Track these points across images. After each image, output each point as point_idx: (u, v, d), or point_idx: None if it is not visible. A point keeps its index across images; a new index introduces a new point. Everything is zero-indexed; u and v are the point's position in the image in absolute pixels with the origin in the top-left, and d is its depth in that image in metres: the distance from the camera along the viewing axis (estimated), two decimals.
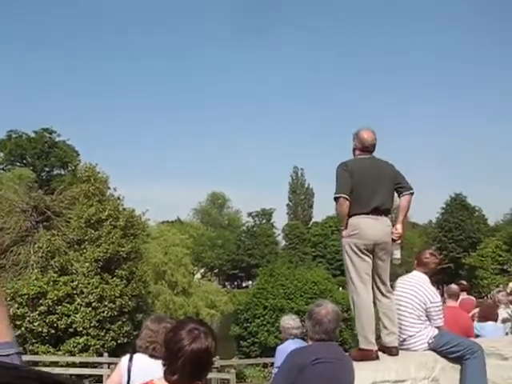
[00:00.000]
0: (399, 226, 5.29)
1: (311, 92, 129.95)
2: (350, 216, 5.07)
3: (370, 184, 5.09)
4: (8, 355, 1.30)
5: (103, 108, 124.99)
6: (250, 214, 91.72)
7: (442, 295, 7.90)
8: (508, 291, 9.97)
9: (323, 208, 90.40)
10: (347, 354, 4.70)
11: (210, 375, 13.50)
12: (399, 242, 5.31)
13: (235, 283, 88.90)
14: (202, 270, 76.29)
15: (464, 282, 14.09)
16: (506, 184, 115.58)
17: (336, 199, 5.09)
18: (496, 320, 8.05)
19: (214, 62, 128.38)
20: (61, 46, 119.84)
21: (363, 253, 5.02)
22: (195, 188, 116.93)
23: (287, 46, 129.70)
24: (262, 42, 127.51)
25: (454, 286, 8.36)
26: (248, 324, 29.29)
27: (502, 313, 8.46)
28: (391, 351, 5.13)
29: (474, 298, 13.55)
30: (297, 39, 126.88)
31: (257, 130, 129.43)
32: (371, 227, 5.02)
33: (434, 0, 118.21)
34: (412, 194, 5.33)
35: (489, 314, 7.88)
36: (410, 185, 5.35)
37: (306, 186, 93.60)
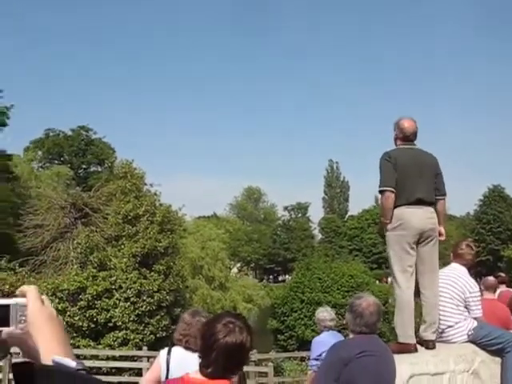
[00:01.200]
0: (442, 229, 5.29)
1: (343, 85, 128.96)
2: (394, 208, 5.05)
3: (414, 175, 5.08)
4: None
5: (141, 105, 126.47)
6: (285, 208, 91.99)
7: (480, 288, 7.79)
8: None
9: (359, 201, 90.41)
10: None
11: (248, 368, 13.55)
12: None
13: (272, 277, 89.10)
14: (239, 265, 76.71)
15: (502, 274, 13.82)
16: None
17: (382, 192, 5.07)
18: None
19: (242, 55, 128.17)
20: (98, 44, 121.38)
21: (409, 244, 4.99)
22: (231, 183, 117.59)
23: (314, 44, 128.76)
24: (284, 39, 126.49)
25: (490, 278, 8.23)
26: (285, 318, 29.32)
27: None
28: (428, 345, 5.10)
29: None
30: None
31: (291, 124, 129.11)
32: (415, 217, 5.00)
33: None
34: (445, 198, 5.37)
35: None
36: (444, 187, 5.38)
37: (342, 179, 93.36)
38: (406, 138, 5.28)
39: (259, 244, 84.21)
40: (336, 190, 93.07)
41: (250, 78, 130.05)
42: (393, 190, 4.99)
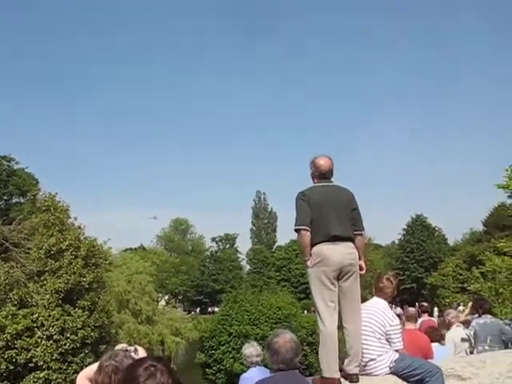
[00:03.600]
0: (362, 264, 5.39)
1: (273, 115, 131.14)
2: (312, 245, 5.15)
3: (329, 212, 5.20)
4: None
5: (63, 136, 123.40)
6: (213, 239, 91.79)
7: (402, 319, 8.02)
8: (462, 313, 10.14)
9: (287, 231, 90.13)
10: (311, 379, 4.76)
11: None
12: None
13: (200, 309, 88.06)
14: (167, 297, 75.37)
15: (425, 304, 14.33)
16: (464, 204, 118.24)
17: (297, 231, 5.19)
18: (439, 341, 8.23)
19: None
20: (21, 68, 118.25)
21: (329, 280, 5.07)
22: (158, 215, 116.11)
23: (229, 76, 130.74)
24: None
25: (411, 309, 8.51)
26: (213, 351, 29.06)
27: (454, 333, 8.60)
28: (352, 378, 5.18)
29: (434, 319, 13.79)
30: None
31: (218, 154, 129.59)
32: (334, 252, 5.08)
33: None
34: (362, 233, 5.47)
35: (431, 336, 8.02)
36: (361, 223, 5.46)
37: (269, 210, 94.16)
38: (322, 175, 5.45)
39: (187, 276, 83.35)
40: (264, 220, 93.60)
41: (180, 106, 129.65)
42: (307, 228, 5.14)
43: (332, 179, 5.50)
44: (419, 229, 71.26)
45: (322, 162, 5.46)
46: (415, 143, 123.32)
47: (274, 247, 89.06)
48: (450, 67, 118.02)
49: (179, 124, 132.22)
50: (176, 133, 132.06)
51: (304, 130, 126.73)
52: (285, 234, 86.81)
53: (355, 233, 5.34)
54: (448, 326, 8.93)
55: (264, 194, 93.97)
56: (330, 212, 5.19)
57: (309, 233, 5.13)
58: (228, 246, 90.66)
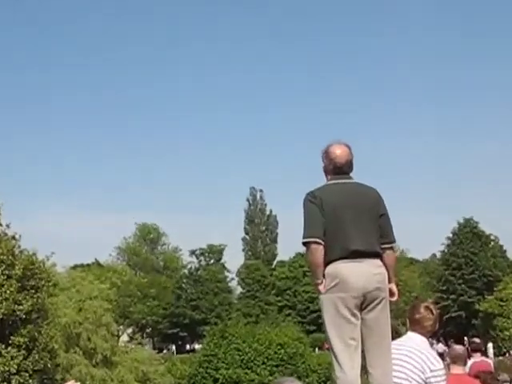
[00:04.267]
0: (393, 287, 5.36)
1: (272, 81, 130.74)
2: (326, 263, 5.07)
3: (348, 219, 5.15)
4: None
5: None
6: (192, 253, 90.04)
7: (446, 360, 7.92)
8: None
9: (291, 242, 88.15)
10: None
11: None
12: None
13: (176, 346, 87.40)
14: (130, 330, 75.21)
15: (477, 340, 14.22)
16: None
17: (306, 244, 5.13)
18: None
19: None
20: None
21: (349, 310, 5.01)
22: (119, 220, 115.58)
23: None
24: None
25: (458, 347, 8.48)
26: None
27: None
28: None
29: (490, 360, 13.62)
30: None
31: (196, 138, 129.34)
32: (355, 273, 5.01)
33: None
34: (393, 246, 5.42)
35: (486, 383, 8.02)
36: (391, 232, 5.43)
37: (268, 212, 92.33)
38: (338, 169, 5.41)
39: (158, 301, 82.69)
40: (260, 227, 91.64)
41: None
42: (320, 241, 5.07)
43: (351, 174, 5.46)
44: (469, 238, 70.59)
45: (338, 152, 5.43)
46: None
47: (274, 263, 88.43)
48: None
49: (143, 102, 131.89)
50: (141, 114, 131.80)
51: (314, 105, 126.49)
52: (288, 244, 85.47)
53: (383, 246, 5.28)
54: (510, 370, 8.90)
55: (261, 191, 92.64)
56: (349, 219, 5.14)
57: (321, 247, 5.05)
58: (212, 261, 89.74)
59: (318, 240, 5.07)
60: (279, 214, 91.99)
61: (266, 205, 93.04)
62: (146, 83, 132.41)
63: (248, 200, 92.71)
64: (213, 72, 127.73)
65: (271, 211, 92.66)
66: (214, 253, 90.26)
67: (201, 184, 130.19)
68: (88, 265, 74.46)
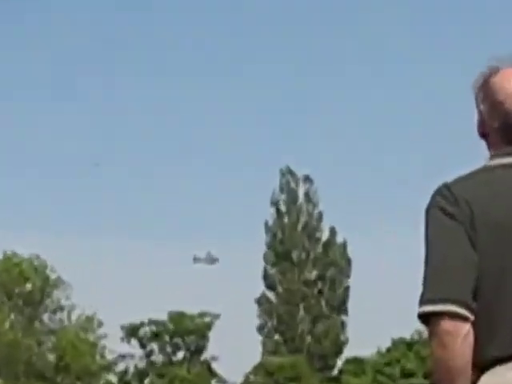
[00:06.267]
0: None
1: None
2: (479, 367, 2.21)
3: None
4: None
5: None
6: (131, 333, 59.05)
7: None
8: None
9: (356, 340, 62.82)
10: None
11: None
12: None
13: None
14: None
15: None
16: None
17: (428, 319, 2.20)
18: None
19: None
20: None
21: None
22: None
23: None
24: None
25: None
26: None
27: None
28: None
29: None
30: None
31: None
32: None
33: None
34: None
35: None
36: None
37: (325, 237, 61.96)
38: None
39: None
40: (304, 269, 61.08)
41: None
42: (466, 313, 2.13)
43: None
44: None
45: None
46: None
47: (340, 362, 56.60)
48: None
49: None
50: None
51: None
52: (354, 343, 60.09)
53: None
54: None
55: (309, 180, 62.43)
56: None
57: (468, 327, 2.15)
58: (183, 354, 57.51)
59: (460, 311, 2.13)
60: (351, 245, 57.03)
61: (319, 217, 60.38)
62: None
63: (275, 195, 60.41)
64: None
65: (333, 233, 58.47)
66: (189, 333, 56.92)
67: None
68: None
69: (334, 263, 62.18)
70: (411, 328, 53.51)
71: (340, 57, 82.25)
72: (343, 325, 61.97)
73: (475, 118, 2.47)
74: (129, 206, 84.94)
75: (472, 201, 2.23)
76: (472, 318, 2.13)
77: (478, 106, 2.47)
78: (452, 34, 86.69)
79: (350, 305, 62.13)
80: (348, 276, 62.78)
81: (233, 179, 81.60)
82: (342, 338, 61.70)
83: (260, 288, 62.14)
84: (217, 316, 61.99)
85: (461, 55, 74.22)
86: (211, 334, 61.88)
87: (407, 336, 56.49)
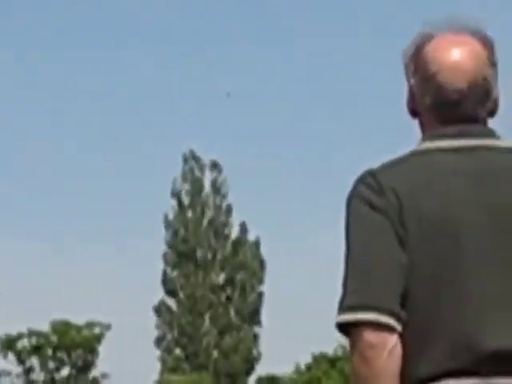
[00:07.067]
0: None
1: None
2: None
3: (482, 259, 2.03)
4: None
5: None
6: None
7: None
8: None
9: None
10: None
11: None
12: None
13: None
14: None
15: None
16: None
17: (348, 329, 2.02)
18: None
19: None
20: None
21: None
22: None
23: None
24: None
25: None
26: None
27: None
28: None
29: None
30: None
31: None
32: None
33: None
34: None
35: None
36: None
37: (234, 235, 57.44)
38: (452, 109, 2.16)
39: None
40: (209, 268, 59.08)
41: None
42: (392, 322, 1.95)
43: (490, 125, 2.24)
44: None
45: (456, 57, 2.16)
46: None
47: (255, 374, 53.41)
48: None
49: None
50: None
51: None
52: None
53: None
54: None
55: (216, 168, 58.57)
56: (482, 259, 2.01)
57: (395, 338, 1.95)
58: None
59: (385, 320, 1.94)
60: (265, 244, 55.14)
61: (227, 210, 57.90)
62: None
63: (176, 184, 57.33)
64: None
65: (243, 230, 56.72)
66: (76, 347, 53.32)
67: None
68: None
69: (244, 265, 55.38)
70: (334, 342, 47.57)
71: (247, 37, 77.03)
72: (256, 337, 56.10)
73: (405, 93, 2.37)
74: (8, 205, 77.77)
75: (401, 191, 2.07)
76: (399, 328, 1.98)
77: (408, 80, 2.36)
78: None
79: (264, 314, 55.95)
80: (261, 280, 56.17)
81: (128, 165, 76.20)
82: (255, 352, 56.08)
83: (159, 294, 56.01)
84: (108, 326, 55.45)
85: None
86: (101, 348, 55.95)
87: (330, 351, 50.62)
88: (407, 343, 1.88)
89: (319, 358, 51.24)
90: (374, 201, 1.99)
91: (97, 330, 56.13)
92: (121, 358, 61.73)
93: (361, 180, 2.04)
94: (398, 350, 1.87)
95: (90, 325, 55.85)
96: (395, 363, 1.87)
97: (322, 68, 79.24)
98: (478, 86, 2.08)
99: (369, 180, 2.01)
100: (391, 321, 1.86)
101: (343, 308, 1.91)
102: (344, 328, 1.93)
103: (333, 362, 50.11)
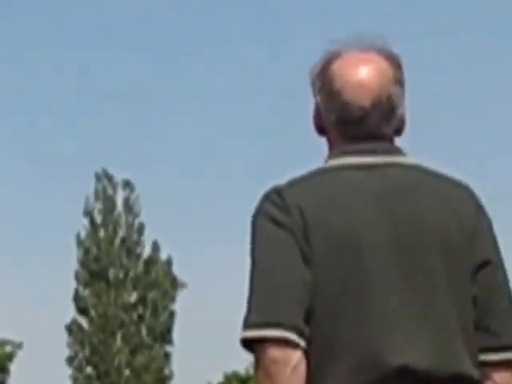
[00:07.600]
0: None
1: None
2: None
3: (387, 276, 2.02)
4: None
5: None
6: None
7: None
8: None
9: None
10: None
11: None
12: None
13: None
14: None
15: None
16: None
17: (252, 346, 2.00)
18: None
19: None
20: None
21: None
22: None
23: None
24: None
25: None
26: None
27: None
28: None
29: None
30: None
31: None
32: None
33: None
34: None
35: None
36: None
37: (147, 254, 56.83)
38: (358, 126, 2.16)
39: None
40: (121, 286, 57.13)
41: None
42: (294, 337, 1.93)
43: (396, 142, 2.24)
44: None
45: (363, 75, 2.17)
46: None
47: None
48: None
49: None
50: None
51: None
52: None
53: (490, 359, 2.02)
54: None
55: (129, 185, 56.40)
56: (388, 277, 2.01)
57: (299, 355, 1.93)
58: None
59: (289, 336, 1.92)
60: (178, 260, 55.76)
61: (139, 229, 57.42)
62: None
63: (88, 203, 57.19)
64: None
65: (155, 248, 55.82)
66: None
67: None
68: None
69: (156, 284, 55.09)
70: (246, 361, 47.56)
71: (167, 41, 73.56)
72: (167, 356, 55.43)
73: (312, 112, 2.34)
74: None
75: (306, 208, 2.04)
76: (304, 344, 1.96)
77: (314, 97, 2.35)
78: None
79: (176, 333, 55.35)
80: (173, 299, 55.53)
81: (42, 183, 69.56)
82: (166, 371, 55.40)
83: (71, 312, 54.94)
84: (19, 345, 53.12)
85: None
86: (13, 367, 53.34)
87: (242, 370, 49.28)
88: (312, 359, 1.88)
89: (231, 377, 50.74)
90: (279, 218, 1.98)
91: (8, 349, 54.50)
92: (32, 376, 58.76)
93: (266, 197, 2.03)
94: (303, 366, 1.87)
95: (2, 343, 53.52)
96: (299, 379, 1.87)
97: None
98: (382, 103, 2.09)
99: (274, 197, 2.00)
100: (295, 337, 1.86)
101: (248, 324, 1.91)
102: (248, 344, 1.93)
103: (244, 381, 48.40)
